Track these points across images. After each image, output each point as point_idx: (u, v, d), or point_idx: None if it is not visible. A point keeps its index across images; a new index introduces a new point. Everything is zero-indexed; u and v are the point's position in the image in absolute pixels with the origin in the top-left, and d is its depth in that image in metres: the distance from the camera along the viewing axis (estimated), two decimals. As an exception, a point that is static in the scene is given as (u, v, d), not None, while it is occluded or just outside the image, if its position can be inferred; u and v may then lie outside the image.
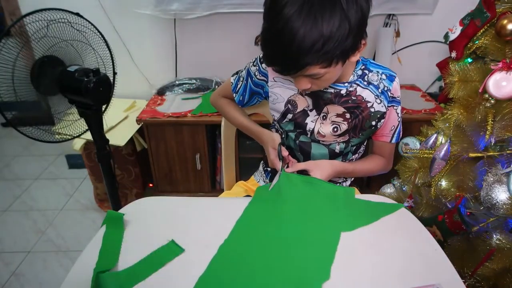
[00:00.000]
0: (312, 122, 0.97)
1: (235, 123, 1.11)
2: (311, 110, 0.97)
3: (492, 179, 0.99)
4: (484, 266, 1.05)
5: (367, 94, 0.93)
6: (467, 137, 1.10)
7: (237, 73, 1.08)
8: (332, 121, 0.96)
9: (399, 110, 0.98)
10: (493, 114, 1.03)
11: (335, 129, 0.96)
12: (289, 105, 0.98)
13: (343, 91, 0.93)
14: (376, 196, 0.92)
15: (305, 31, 0.68)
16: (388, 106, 0.96)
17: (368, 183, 2.04)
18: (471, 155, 1.08)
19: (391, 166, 1.09)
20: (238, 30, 2.02)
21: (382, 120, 0.97)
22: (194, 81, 2.06)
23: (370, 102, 0.94)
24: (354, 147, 1.02)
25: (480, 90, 1.03)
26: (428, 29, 2.01)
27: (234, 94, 1.08)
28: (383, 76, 0.94)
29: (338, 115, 0.95)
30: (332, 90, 0.92)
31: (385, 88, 0.94)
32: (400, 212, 0.85)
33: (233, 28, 2.02)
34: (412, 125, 1.79)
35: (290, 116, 0.99)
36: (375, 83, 0.94)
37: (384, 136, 1.02)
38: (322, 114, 0.96)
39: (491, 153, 1.05)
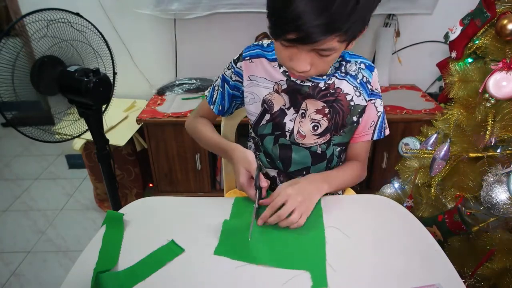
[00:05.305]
0: (291, 121, 0.92)
1: (205, 140, 1.00)
2: (288, 108, 0.92)
3: (492, 179, 0.99)
4: (484, 266, 1.05)
5: (345, 86, 0.89)
6: (467, 137, 1.10)
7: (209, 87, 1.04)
8: (312, 119, 0.91)
9: (377, 104, 0.93)
10: (493, 114, 1.03)
11: (315, 128, 0.91)
12: (265, 104, 0.93)
13: (321, 85, 0.89)
14: (376, 196, 0.92)
15: None
16: (367, 100, 0.92)
17: (368, 183, 2.03)
18: (471, 155, 1.08)
19: (365, 173, 1.01)
20: (238, 30, 2.02)
21: (364, 115, 0.93)
22: (194, 81, 2.06)
23: (349, 94, 0.90)
24: (338, 148, 0.96)
25: (480, 90, 1.03)
26: (428, 29, 2.01)
27: (212, 106, 1.01)
28: (362, 66, 0.90)
29: (317, 111, 0.90)
30: (310, 84, 0.88)
31: (364, 79, 0.90)
32: (400, 212, 0.85)
33: (233, 28, 2.02)
34: (412, 125, 1.79)
35: (268, 116, 0.94)
36: (353, 73, 0.90)
37: (364, 135, 0.95)
38: (301, 111, 0.91)
39: (491, 153, 1.05)
